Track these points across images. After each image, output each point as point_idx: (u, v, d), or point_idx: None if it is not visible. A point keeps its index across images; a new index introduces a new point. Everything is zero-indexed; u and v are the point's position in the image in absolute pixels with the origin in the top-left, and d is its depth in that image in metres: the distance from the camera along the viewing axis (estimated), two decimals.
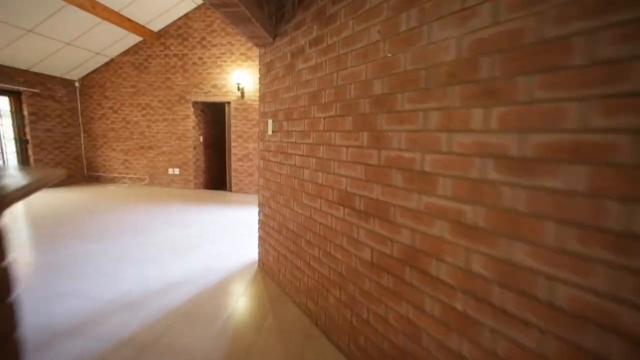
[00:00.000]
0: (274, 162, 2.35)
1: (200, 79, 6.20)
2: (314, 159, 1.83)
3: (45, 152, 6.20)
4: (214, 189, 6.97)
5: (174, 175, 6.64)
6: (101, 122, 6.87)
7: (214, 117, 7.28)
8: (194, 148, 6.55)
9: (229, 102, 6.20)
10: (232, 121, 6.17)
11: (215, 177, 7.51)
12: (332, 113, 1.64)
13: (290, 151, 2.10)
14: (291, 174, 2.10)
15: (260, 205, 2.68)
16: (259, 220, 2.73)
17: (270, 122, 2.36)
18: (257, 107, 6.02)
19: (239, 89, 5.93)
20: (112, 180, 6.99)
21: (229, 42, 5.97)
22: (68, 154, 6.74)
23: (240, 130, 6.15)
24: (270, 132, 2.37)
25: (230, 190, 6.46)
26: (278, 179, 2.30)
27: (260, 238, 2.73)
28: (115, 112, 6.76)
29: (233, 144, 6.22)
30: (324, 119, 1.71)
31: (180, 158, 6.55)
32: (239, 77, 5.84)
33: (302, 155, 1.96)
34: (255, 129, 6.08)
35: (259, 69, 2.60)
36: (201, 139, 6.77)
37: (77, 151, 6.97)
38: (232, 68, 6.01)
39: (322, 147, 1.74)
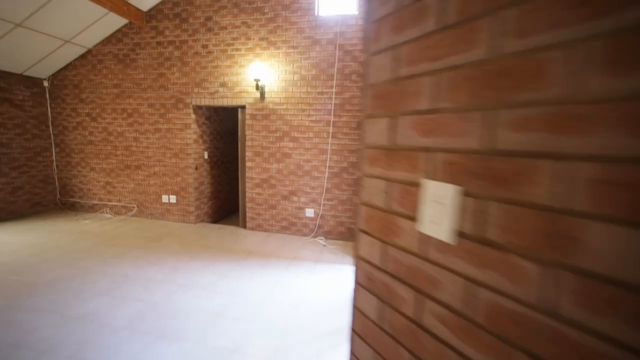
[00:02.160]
0: None
1: (204, 75, 4.51)
2: None
3: None
4: (223, 222, 5.26)
5: (169, 204, 4.95)
6: (77, 132, 5.26)
7: (223, 126, 5.59)
8: (196, 168, 4.86)
9: (243, 107, 4.49)
10: (248, 132, 4.45)
11: (224, 205, 5.80)
12: None
13: None
14: None
15: None
16: None
17: (453, 196, 0.59)
18: (282, 113, 4.29)
19: (257, 87, 4.21)
20: (92, 209, 5.36)
21: (244, 23, 4.27)
22: (32, 175, 5.13)
23: (259, 145, 4.43)
24: (447, 237, 0.60)
25: (245, 227, 4.74)
26: None
27: None
28: (94, 119, 5.13)
29: (249, 164, 4.50)
30: None
31: (178, 182, 4.86)
32: (258, 72, 4.12)
33: None
34: (280, 143, 4.34)
35: None
36: (205, 155, 5.08)
37: (46, 170, 5.36)
38: (249, 59, 4.31)
39: None
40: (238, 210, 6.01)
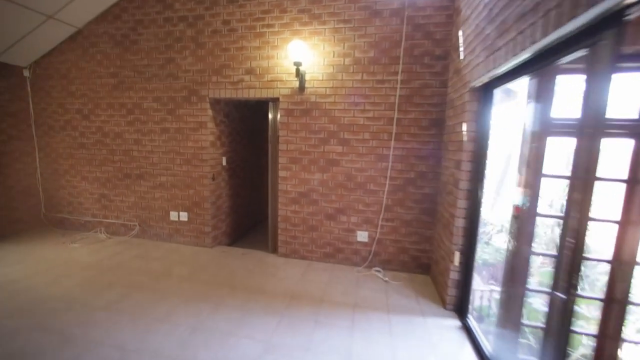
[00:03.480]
0: None
1: (225, 60, 3.53)
2: None
3: None
4: (245, 244, 4.25)
5: (179, 222, 3.96)
6: (65, 133, 4.27)
7: (244, 125, 4.60)
8: (213, 178, 3.87)
9: (276, 99, 3.51)
10: (282, 133, 3.46)
11: (244, 221, 4.81)
12: None
13: None
14: None
15: None
16: None
17: None
18: (328, 107, 3.31)
19: (298, 74, 3.23)
20: (84, 227, 4.37)
21: None
22: (10, 185, 4.15)
23: (297, 150, 3.44)
24: None
25: (275, 252, 3.74)
26: None
27: None
28: (85, 117, 4.15)
29: (282, 173, 3.50)
30: None
31: (190, 195, 3.87)
32: (298, 54, 3.13)
33: None
34: (325, 147, 3.36)
35: None
36: (224, 161, 4.09)
37: (28, 180, 4.38)
38: (284, 38, 3.32)
39: None
40: (259, 225, 5.03)
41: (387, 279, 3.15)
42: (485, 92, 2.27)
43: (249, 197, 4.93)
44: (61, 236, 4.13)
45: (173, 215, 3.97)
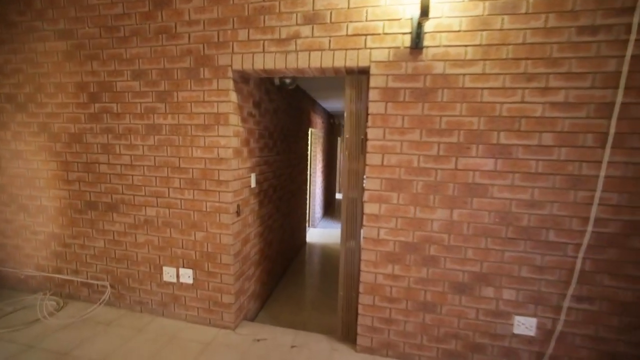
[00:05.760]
0: None
1: (263, 1, 1.91)
2: None
3: None
4: (285, 311, 2.64)
5: (177, 285, 2.34)
6: None
7: (280, 120, 2.99)
8: (238, 212, 2.25)
9: (362, 71, 1.90)
10: (372, 133, 1.85)
11: (277, 266, 3.24)
12: None
13: None
14: None
15: None
16: None
17: None
18: (468, 85, 1.71)
19: (425, 13, 1.62)
20: (24, 286, 2.72)
21: None
22: None
23: (402, 164, 1.84)
24: None
25: (351, 341, 2.14)
26: None
27: None
28: (21, 108, 2.50)
29: (370, 207, 1.89)
30: None
31: (198, 241, 2.25)
32: None
33: None
34: (460, 159, 1.76)
35: None
36: (252, 181, 2.47)
37: None
38: None
39: None
40: (294, 263, 3.41)
41: None
42: None
43: (284, 229, 3.32)
44: None
45: (168, 273, 2.34)
